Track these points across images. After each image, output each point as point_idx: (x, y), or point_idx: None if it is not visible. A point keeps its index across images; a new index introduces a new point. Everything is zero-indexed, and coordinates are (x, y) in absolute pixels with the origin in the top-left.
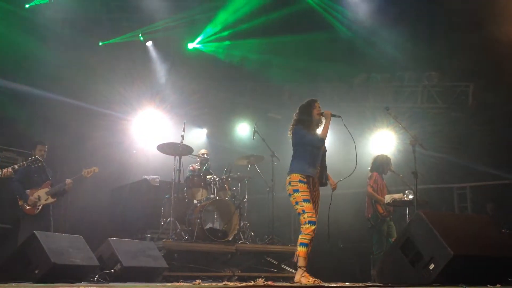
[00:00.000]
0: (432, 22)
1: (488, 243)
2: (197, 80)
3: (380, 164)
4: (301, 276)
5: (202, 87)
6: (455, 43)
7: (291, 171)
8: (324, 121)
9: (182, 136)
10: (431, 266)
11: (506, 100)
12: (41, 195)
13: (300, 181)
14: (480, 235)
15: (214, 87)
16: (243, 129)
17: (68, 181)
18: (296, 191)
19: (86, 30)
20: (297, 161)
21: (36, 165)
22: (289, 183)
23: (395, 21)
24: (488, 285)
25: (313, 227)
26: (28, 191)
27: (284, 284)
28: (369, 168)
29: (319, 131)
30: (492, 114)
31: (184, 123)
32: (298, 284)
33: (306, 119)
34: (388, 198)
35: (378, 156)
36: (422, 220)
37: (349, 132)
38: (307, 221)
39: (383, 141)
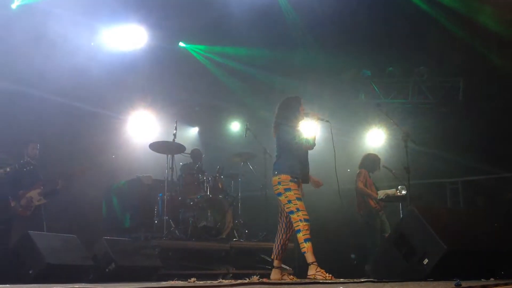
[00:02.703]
0: (422, 17)
1: (481, 237)
2: (188, 78)
3: (370, 162)
4: (317, 271)
5: (193, 85)
6: (445, 38)
7: (280, 172)
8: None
9: (174, 135)
10: (425, 261)
11: (496, 94)
12: (33, 196)
13: (291, 181)
14: (473, 229)
15: (205, 85)
16: (235, 127)
17: (60, 181)
18: (288, 189)
19: (78, 29)
20: (285, 161)
21: (27, 168)
22: (279, 183)
23: (385, 16)
24: (482, 279)
25: (308, 224)
26: (20, 192)
27: (279, 281)
28: (359, 165)
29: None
30: (483, 109)
31: (176, 122)
32: (289, 281)
33: (293, 118)
34: (381, 193)
35: (369, 154)
36: (415, 215)
37: (332, 140)
38: (302, 219)
39: (375, 137)
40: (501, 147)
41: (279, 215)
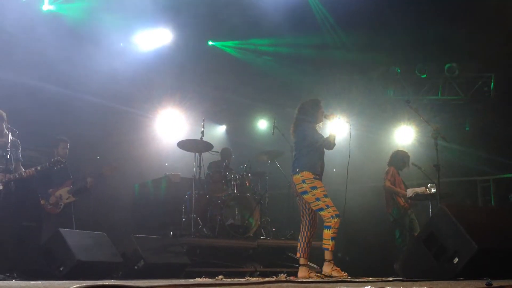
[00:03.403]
0: (453, 12)
1: None
2: (215, 76)
3: (399, 160)
4: (332, 270)
5: (220, 84)
6: (476, 33)
7: (302, 169)
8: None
9: (202, 133)
10: (455, 260)
11: None
12: (63, 194)
13: (314, 178)
14: (505, 228)
15: (232, 84)
16: (262, 125)
17: (89, 179)
18: (314, 188)
19: (107, 27)
20: (307, 159)
21: (58, 166)
22: (303, 181)
23: (415, 12)
24: None
25: (339, 220)
26: (50, 190)
27: (307, 279)
28: (387, 162)
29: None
30: None
31: (204, 120)
32: (318, 279)
33: (314, 119)
34: (410, 192)
35: (398, 151)
36: (445, 214)
37: (349, 144)
38: (333, 215)
39: (404, 134)
40: None
41: (301, 213)
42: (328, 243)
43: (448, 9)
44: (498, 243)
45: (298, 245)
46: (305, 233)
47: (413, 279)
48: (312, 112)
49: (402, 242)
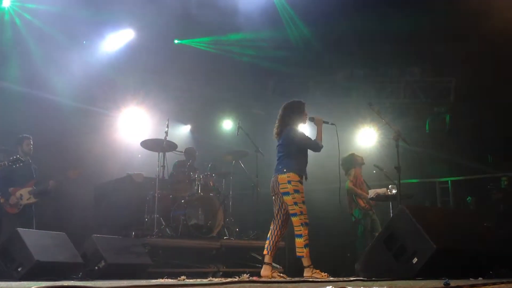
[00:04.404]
0: (415, 17)
1: (470, 237)
2: (180, 76)
3: (351, 162)
4: (313, 273)
5: (185, 83)
6: (437, 38)
7: (289, 169)
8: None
9: (166, 132)
10: (414, 260)
11: (487, 94)
12: (24, 194)
13: (299, 181)
14: (462, 229)
15: (197, 83)
16: (227, 125)
17: (51, 182)
18: (297, 191)
19: (69, 27)
20: (295, 161)
21: (18, 164)
22: (289, 182)
23: (378, 16)
24: (471, 279)
25: (308, 228)
26: (10, 189)
27: (270, 279)
28: (343, 169)
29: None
30: (474, 109)
31: (168, 119)
32: (280, 279)
33: (298, 121)
34: (371, 193)
35: (347, 157)
36: (405, 214)
37: (338, 143)
38: (304, 223)
39: (367, 137)
40: (491, 146)
41: (276, 212)
42: (302, 251)
43: (410, 14)
44: (456, 244)
45: (267, 242)
46: (276, 232)
47: (373, 278)
48: (299, 114)
49: (363, 242)
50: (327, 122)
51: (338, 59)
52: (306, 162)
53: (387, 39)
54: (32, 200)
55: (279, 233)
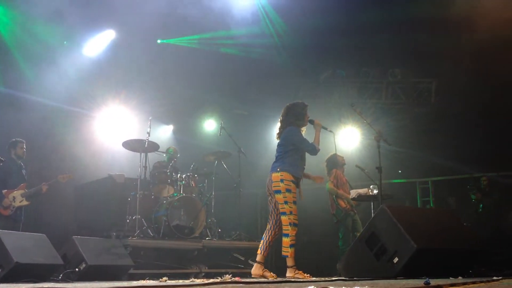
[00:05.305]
0: (396, 20)
1: (450, 236)
2: (163, 76)
3: (334, 162)
4: (295, 274)
5: (168, 83)
6: (418, 40)
7: (283, 169)
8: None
9: (148, 133)
10: (395, 260)
11: (467, 96)
12: (16, 197)
13: (293, 181)
14: (443, 229)
15: (180, 84)
16: (209, 125)
17: (44, 186)
18: (289, 191)
19: (49, 28)
20: (290, 161)
21: (11, 167)
22: (282, 180)
23: (361, 18)
24: (451, 277)
25: (296, 229)
26: (4, 191)
27: (252, 279)
28: (326, 169)
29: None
30: (454, 110)
31: (150, 120)
32: (262, 279)
33: (300, 122)
34: (353, 193)
35: (330, 157)
36: (386, 214)
37: (335, 149)
38: (292, 223)
39: (349, 137)
40: (470, 147)
41: (270, 212)
42: (287, 251)
43: (392, 17)
44: (436, 243)
45: (261, 242)
46: (270, 231)
47: (354, 278)
48: (301, 116)
49: (345, 242)
50: (325, 128)
51: (320, 60)
52: (303, 165)
53: (369, 40)
54: (25, 202)
55: (273, 233)
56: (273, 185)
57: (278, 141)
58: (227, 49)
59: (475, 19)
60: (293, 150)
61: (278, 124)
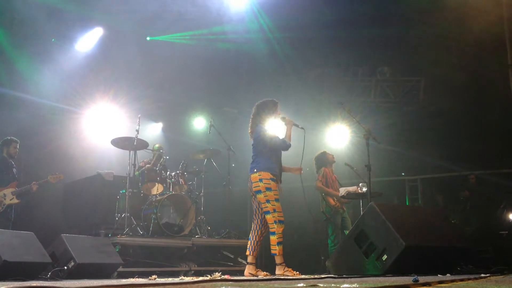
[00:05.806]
0: (385, 19)
1: (438, 234)
2: (152, 74)
3: (323, 160)
4: (285, 271)
5: (157, 81)
6: (407, 39)
7: (260, 168)
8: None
9: (137, 130)
10: (384, 257)
11: (455, 94)
12: (7, 194)
13: (272, 179)
14: (431, 226)
15: (169, 81)
16: (199, 123)
17: (34, 186)
18: (269, 189)
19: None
20: (265, 160)
21: (2, 166)
22: (260, 180)
23: (349, 16)
24: (439, 275)
25: (283, 226)
26: None
27: (241, 277)
28: (315, 167)
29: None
30: (442, 108)
31: (139, 117)
32: (251, 277)
33: (270, 120)
34: (342, 191)
35: (318, 155)
36: (375, 212)
37: (303, 146)
38: (277, 220)
39: (338, 135)
40: (458, 145)
41: (254, 212)
42: (275, 249)
43: (380, 15)
44: (424, 241)
45: (248, 243)
46: (256, 232)
47: (344, 276)
48: (271, 113)
49: (334, 240)
50: (297, 125)
51: (309, 58)
52: (279, 161)
53: (358, 39)
54: (15, 201)
55: (259, 233)
56: (253, 186)
57: (252, 140)
58: (218, 44)
59: (464, 17)
60: (266, 149)
61: (249, 123)
